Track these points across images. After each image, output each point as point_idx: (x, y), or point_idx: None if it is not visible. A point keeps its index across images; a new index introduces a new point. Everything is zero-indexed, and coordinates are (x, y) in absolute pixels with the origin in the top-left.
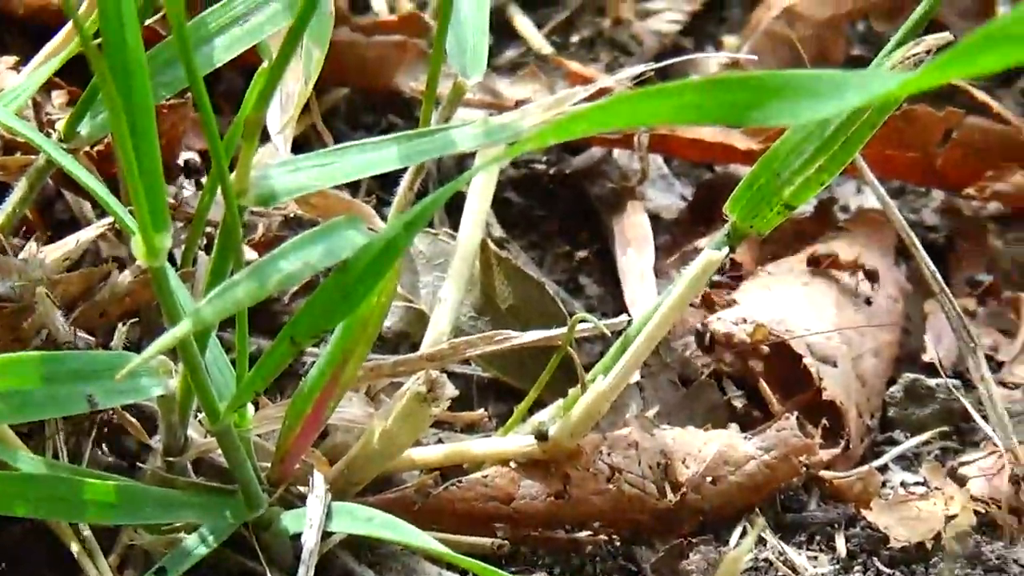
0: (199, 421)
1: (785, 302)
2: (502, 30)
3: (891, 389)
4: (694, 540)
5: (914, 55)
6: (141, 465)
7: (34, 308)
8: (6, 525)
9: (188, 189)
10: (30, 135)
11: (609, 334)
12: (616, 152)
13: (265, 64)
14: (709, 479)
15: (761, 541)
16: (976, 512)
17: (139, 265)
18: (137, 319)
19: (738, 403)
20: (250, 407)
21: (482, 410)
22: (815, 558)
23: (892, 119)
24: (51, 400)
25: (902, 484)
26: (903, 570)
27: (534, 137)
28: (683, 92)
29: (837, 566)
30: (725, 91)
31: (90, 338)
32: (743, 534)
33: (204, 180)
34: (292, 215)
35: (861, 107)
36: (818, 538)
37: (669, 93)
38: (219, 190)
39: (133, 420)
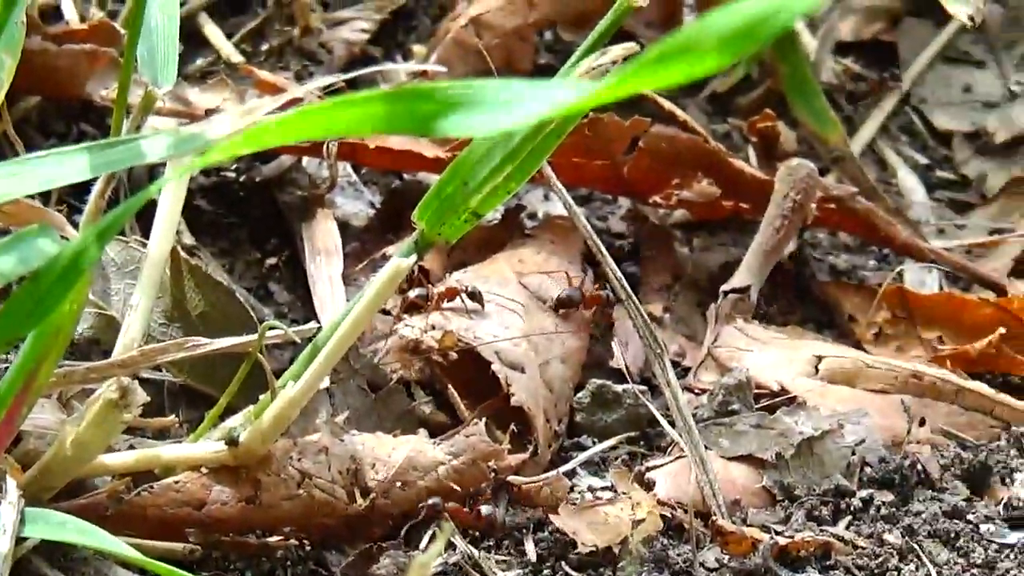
0: None
1: (473, 309)
2: (192, 39)
3: (579, 395)
4: (384, 545)
5: (600, 65)
6: None
7: None
8: None
9: None
10: None
11: (299, 341)
12: (305, 160)
13: None
14: (398, 484)
15: (450, 546)
16: (663, 516)
17: None
18: None
19: (427, 409)
20: None
21: (173, 416)
22: (504, 562)
23: (579, 127)
24: None
25: (590, 489)
26: (591, 573)
27: (223, 148)
28: (370, 103)
29: (526, 570)
30: (410, 102)
31: None
32: (432, 539)
33: None
34: None
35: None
36: (507, 543)
37: (356, 104)
38: None
39: None
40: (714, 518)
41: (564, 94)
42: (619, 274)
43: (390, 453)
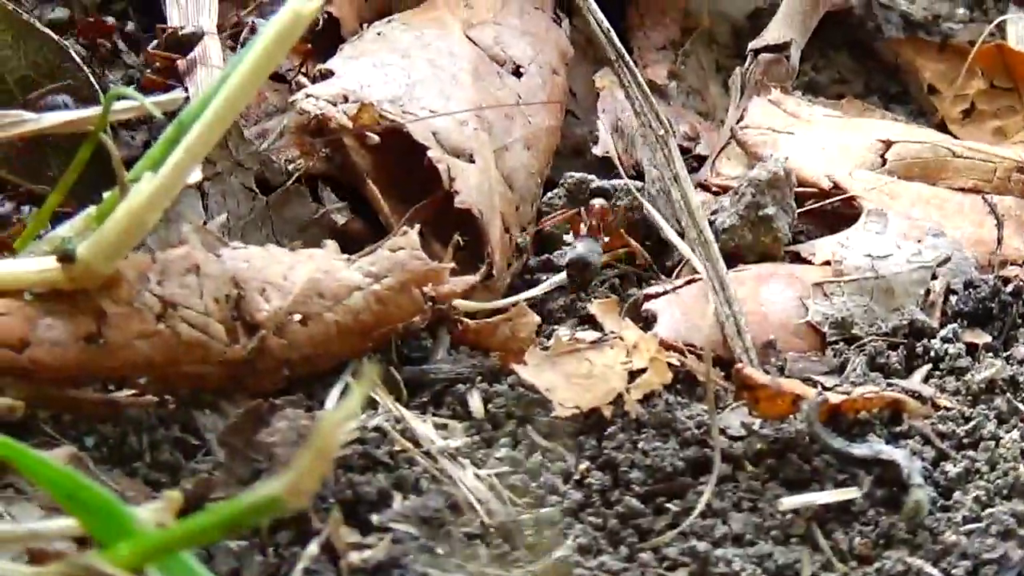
0: None
1: (400, 72)
2: None
3: (549, 194)
4: (277, 401)
5: None
6: None
7: None
8: None
9: None
10: None
11: (158, 115)
12: None
13: None
14: (298, 318)
15: (371, 404)
16: (669, 364)
17: None
18: None
19: (339, 217)
20: None
21: None
22: (444, 427)
23: None
24: None
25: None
26: (566, 444)
27: None
28: None
29: (476, 438)
30: None
31: None
32: (344, 393)
33: None
34: None
35: None
36: (449, 400)
37: None
38: None
39: None
40: (739, 366)
41: None
42: (606, 24)
43: (286, 274)
